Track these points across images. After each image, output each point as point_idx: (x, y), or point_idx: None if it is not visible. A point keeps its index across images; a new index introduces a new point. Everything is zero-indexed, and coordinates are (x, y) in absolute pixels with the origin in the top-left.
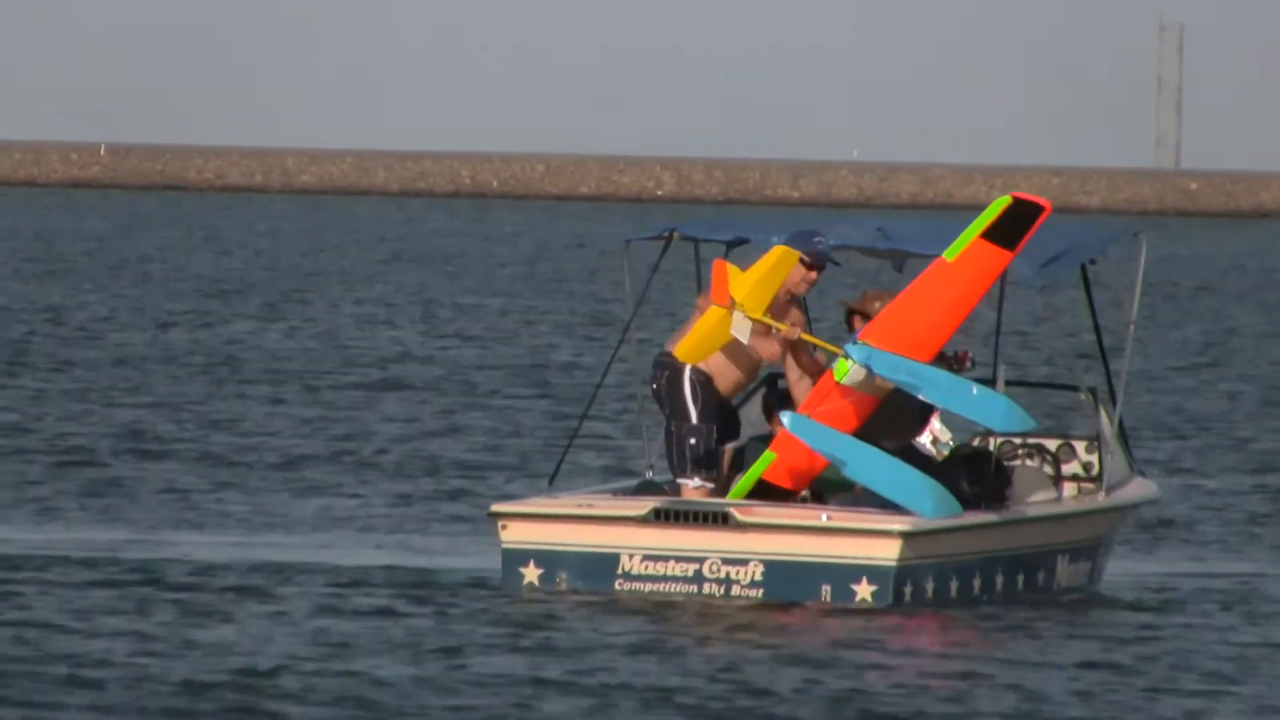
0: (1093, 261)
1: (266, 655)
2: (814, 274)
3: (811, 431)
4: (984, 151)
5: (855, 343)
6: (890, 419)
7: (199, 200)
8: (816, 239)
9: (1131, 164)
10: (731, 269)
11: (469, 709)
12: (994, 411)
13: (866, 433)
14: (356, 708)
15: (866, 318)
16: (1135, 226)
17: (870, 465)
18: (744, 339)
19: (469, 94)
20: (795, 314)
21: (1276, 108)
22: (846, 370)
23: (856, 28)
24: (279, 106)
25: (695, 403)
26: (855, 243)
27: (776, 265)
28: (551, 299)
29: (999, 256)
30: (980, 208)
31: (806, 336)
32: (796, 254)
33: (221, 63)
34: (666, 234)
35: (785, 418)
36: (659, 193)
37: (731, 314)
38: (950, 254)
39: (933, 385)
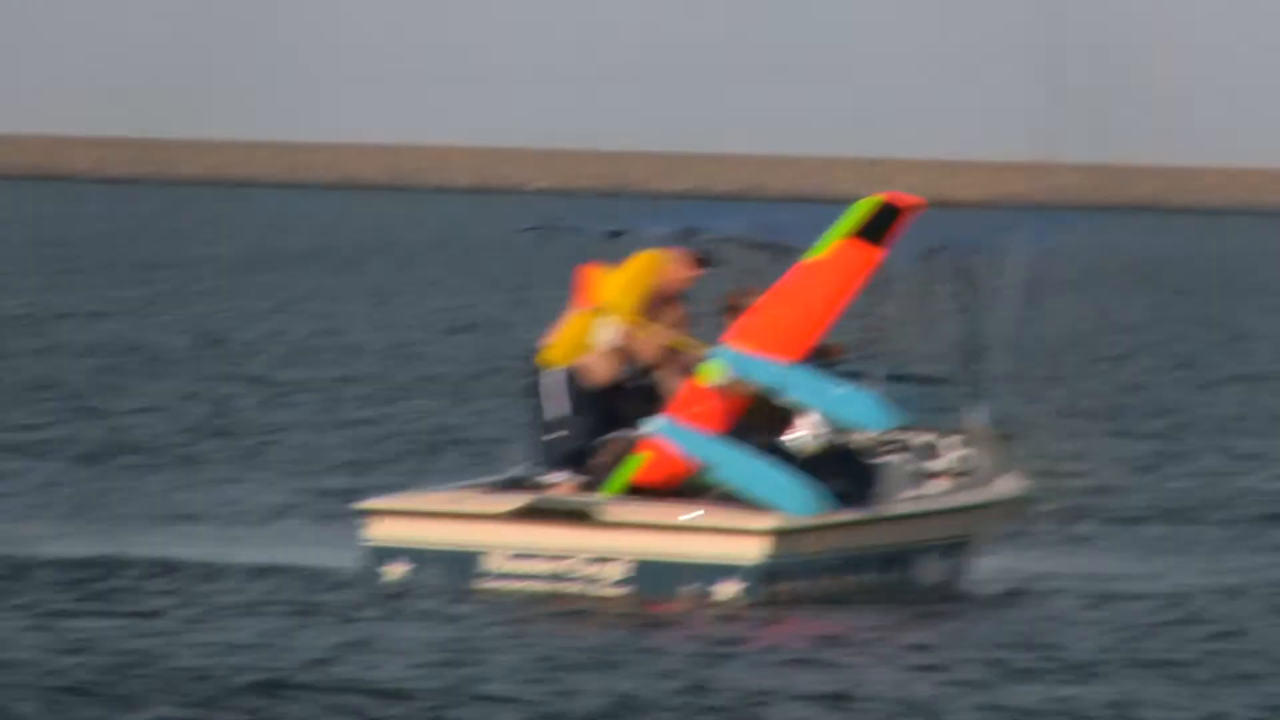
0: (974, 254)
1: (127, 650)
2: (695, 270)
3: (678, 435)
4: (861, 144)
5: (719, 345)
6: (756, 419)
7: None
8: (699, 235)
9: (1008, 157)
10: (600, 271)
11: (337, 707)
12: (860, 409)
13: (736, 432)
14: (215, 708)
15: (734, 311)
16: (1015, 220)
17: (738, 465)
18: (609, 342)
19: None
20: (674, 311)
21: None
22: (712, 373)
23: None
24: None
25: (562, 398)
26: (734, 235)
27: (644, 268)
28: (427, 292)
29: (869, 254)
30: (856, 200)
31: (674, 342)
32: (663, 257)
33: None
34: (546, 225)
35: (651, 423)
36: (534, 186)
37: (598, 317)
38: (815, 253)
39: (796, 385)
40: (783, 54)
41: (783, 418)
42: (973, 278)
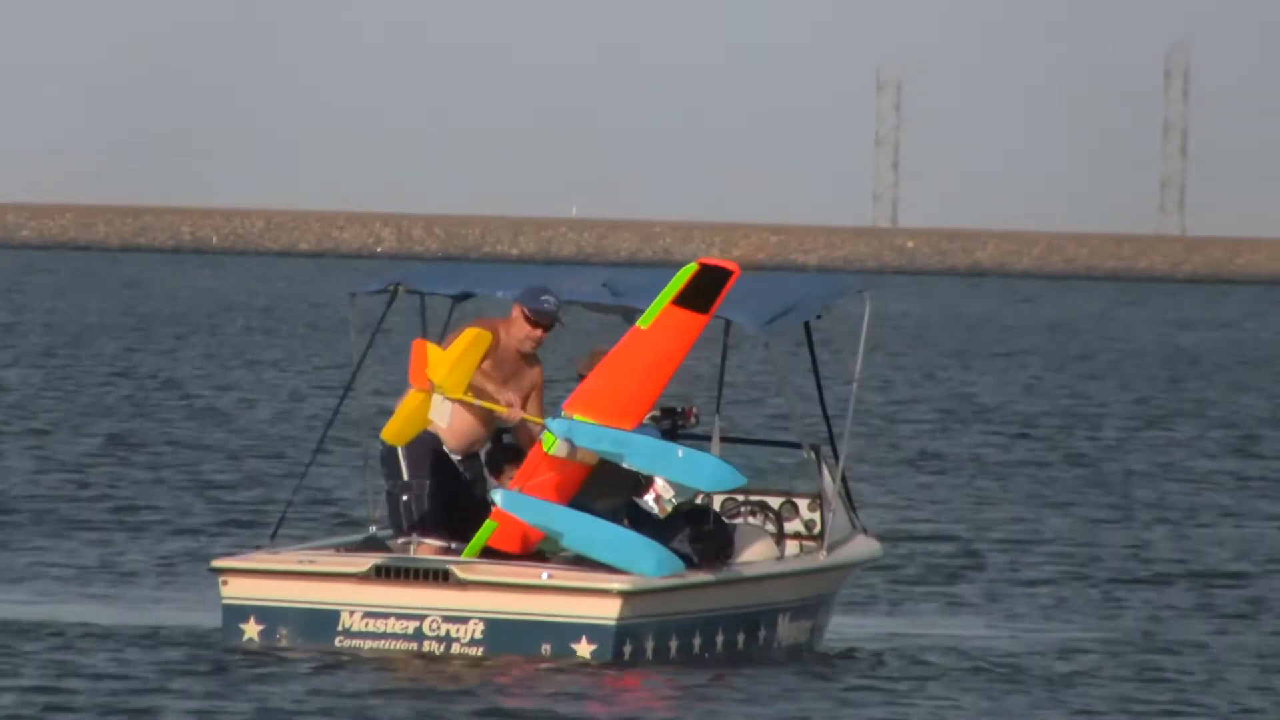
0: (818, 316)
1: None
2: (539, 331)
3: (524, 506)
4: (703, 208)
5: (557, 416)
6: (604, 483)
7: None
8: (544, 297)
9: (849, 221)
10: (431, 348)
11: None
12: (701, 472)
13: (582, 499)
14: None
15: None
16: (858, 283)
17: (585, 533)
18: (443, 422)
19: (188, 149)
20: (527, 372)
21: (992, 163)
22: (553, 443)
23: (572, 80)
24: None
25: (408, 462)
26: (582, 297)
27: (473, 343)
28: (277, 351)
29: (694, 321)
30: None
31: (519, 414)
32: (500, 323)
33: None
34: (392, 287)
35: (497, 495)
36: (379, 249)
37: (431, 396)
38: (644, 321)
39: (636, 452)
40: (628, 117)
41: (630, 481)
42: (809, 340)
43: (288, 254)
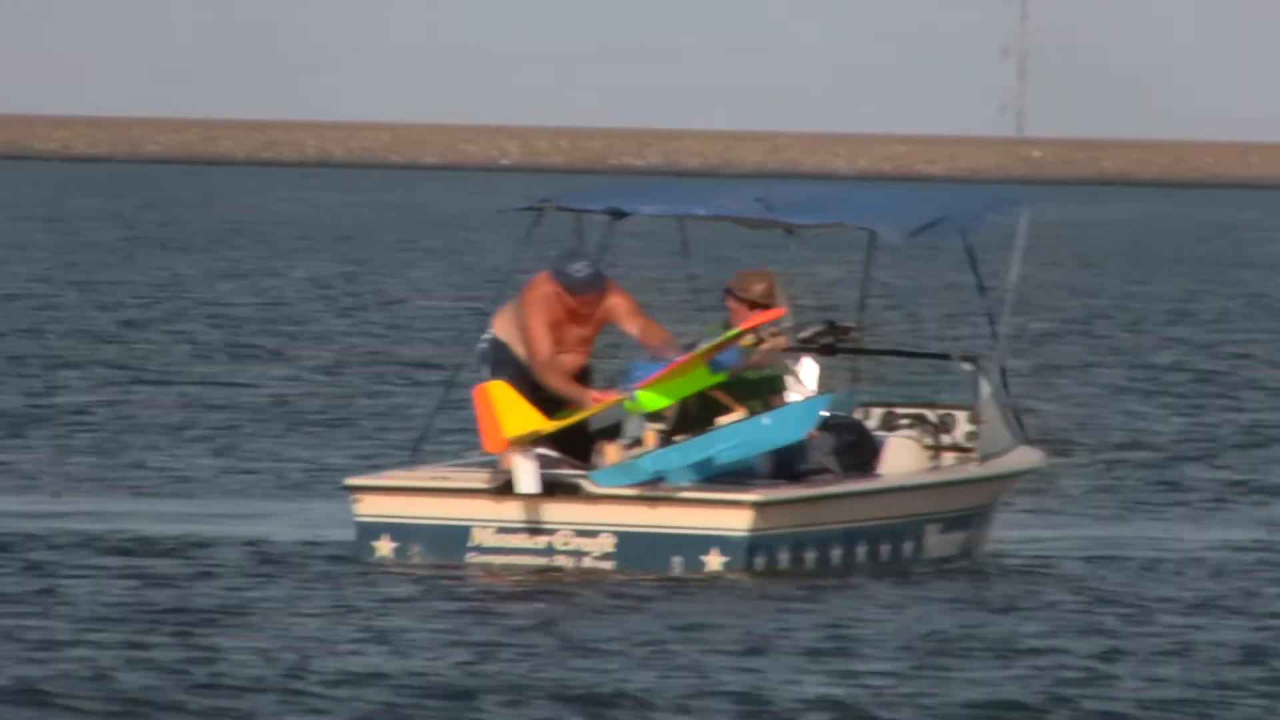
0: (967, 229)
1: (111, 630)
2: (577, 300)
3: (629, 473)
4: (829, 119)
5: (614, 466)
6: (738, 396)
7: (43, 168)
8: (574, 266)
9: (975, 131)
10: (490, 407)
11: (331, 687)
12: (789, 426)
13: (716, 413)
14: (220, 693)
15: (743, 299)
16: (1015, 195)
17: (711, 451)
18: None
19: (312, 62)
20: (578, 329)
21: (1118, 74)
22: (635, 407)
23: None
24: (123, 75)
25: (493, 371)
26: (734, 213)
27: (501, 400)
28: (419, 268)
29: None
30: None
31: (596, 405)
32: (510, 388)
33: (57, 30)
34: (540, 204)
35: (598, 476)
36: (504, 161)
37: (512, 458)
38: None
39: (725, 450)
40: (751, 31)
41: (771, 389)
42: (971, 252)
43: (412, 167)
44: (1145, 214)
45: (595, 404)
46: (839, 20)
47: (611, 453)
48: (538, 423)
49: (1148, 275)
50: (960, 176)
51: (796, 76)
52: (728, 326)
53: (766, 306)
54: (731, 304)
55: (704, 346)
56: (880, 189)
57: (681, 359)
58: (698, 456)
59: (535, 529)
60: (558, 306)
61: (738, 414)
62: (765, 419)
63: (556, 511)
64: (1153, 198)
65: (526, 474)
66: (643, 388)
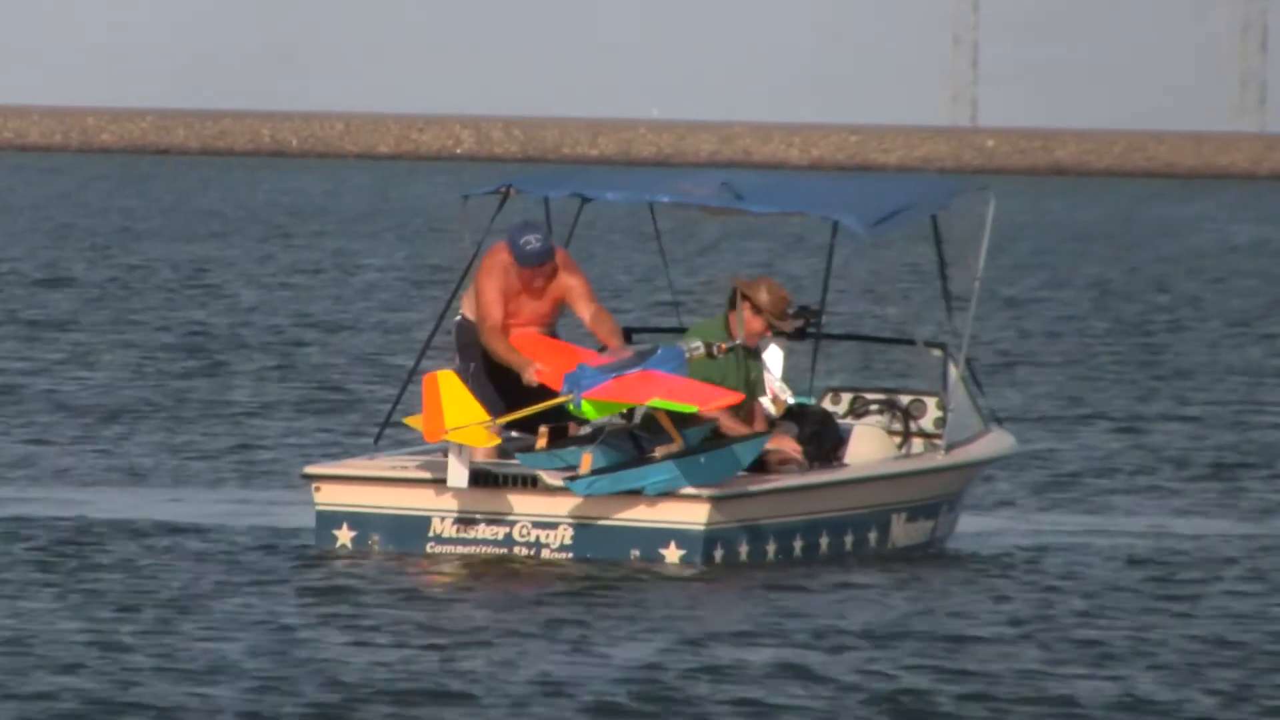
0: (934, 216)
1: (73, 618)
2: (527, 271)
3: (607, 482)
4: (782, 109)
5: (575, 478)
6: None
7: None
8: (525, 238)
9: (928, 121)
10: (431, 401)
11: (285, 674)
12: (722, 466)
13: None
14: (189, 682)
15: (750, 302)
16: (979, 182)
17: (675, 472)
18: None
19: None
20: (548, 290)
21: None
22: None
23: None
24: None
25: (461, 354)
26: (697, 200)
27: (449, 391)
28: (377, 256)
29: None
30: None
31: (538, 379)
32: (458, 379)
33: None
34: (503, 189)
35: (576, 484)
36: (458, 151)
37: (456, 446)
38: (656, 404)
39: (656, 484)
40: (703, 20)
41: (748, 384)
42: (938, 239)
43: (366, 157)
44: (1101, 208)
45: (537, 377)
46: (792, 10)
47: (586, 461)
48: (479, 416)
49: (1097, 261)
50: (914, 166)
51: (749, 66)
52: (725, 324)
53: (775, 317)
54: (747, 311)
55: (658, 402)
56: (846, 178)
57: (630, 377)
58: (629, 486)
59: (494, 520)
60: (512, 276)
61: (675, 446)
62: (702, 458)
63: (516, 503)
64: (1106, 188)
65: (456, 469)
66: (589, 398)
